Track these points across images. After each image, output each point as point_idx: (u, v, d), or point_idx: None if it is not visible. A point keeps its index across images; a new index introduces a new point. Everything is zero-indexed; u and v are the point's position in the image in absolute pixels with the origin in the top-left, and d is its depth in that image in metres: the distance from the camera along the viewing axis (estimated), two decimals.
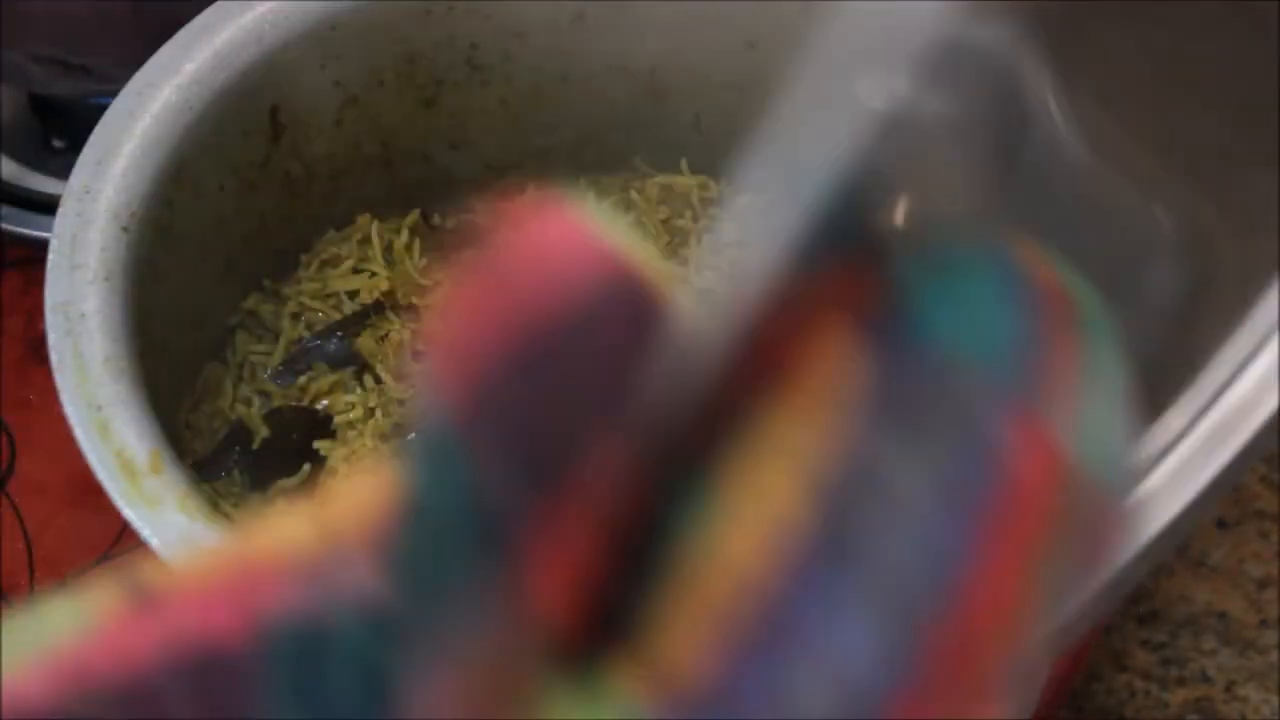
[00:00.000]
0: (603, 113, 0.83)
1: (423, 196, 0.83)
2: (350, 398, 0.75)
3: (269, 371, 0.77)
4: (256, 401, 0.76)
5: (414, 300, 0.77)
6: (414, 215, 0.81)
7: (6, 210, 0.94)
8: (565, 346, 0.25)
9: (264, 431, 0.74)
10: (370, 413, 0.74)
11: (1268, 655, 0.87)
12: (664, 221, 0.80)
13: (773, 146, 0.29)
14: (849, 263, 0.28)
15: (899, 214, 0.28)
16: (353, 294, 0.78)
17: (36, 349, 0.91)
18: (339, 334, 0.77)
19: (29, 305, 0.93)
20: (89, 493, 0.83)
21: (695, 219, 0.81)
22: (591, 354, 0.25)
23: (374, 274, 0.78)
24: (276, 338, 0.78)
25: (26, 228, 0.93)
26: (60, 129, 0.96)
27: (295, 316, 0.78)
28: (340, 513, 0.28)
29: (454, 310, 0.26)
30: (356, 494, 0.28)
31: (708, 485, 0.26)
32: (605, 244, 0.25)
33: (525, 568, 0.25)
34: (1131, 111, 0.62)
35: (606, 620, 0.26)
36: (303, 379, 0.76)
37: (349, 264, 0.79)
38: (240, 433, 0.74)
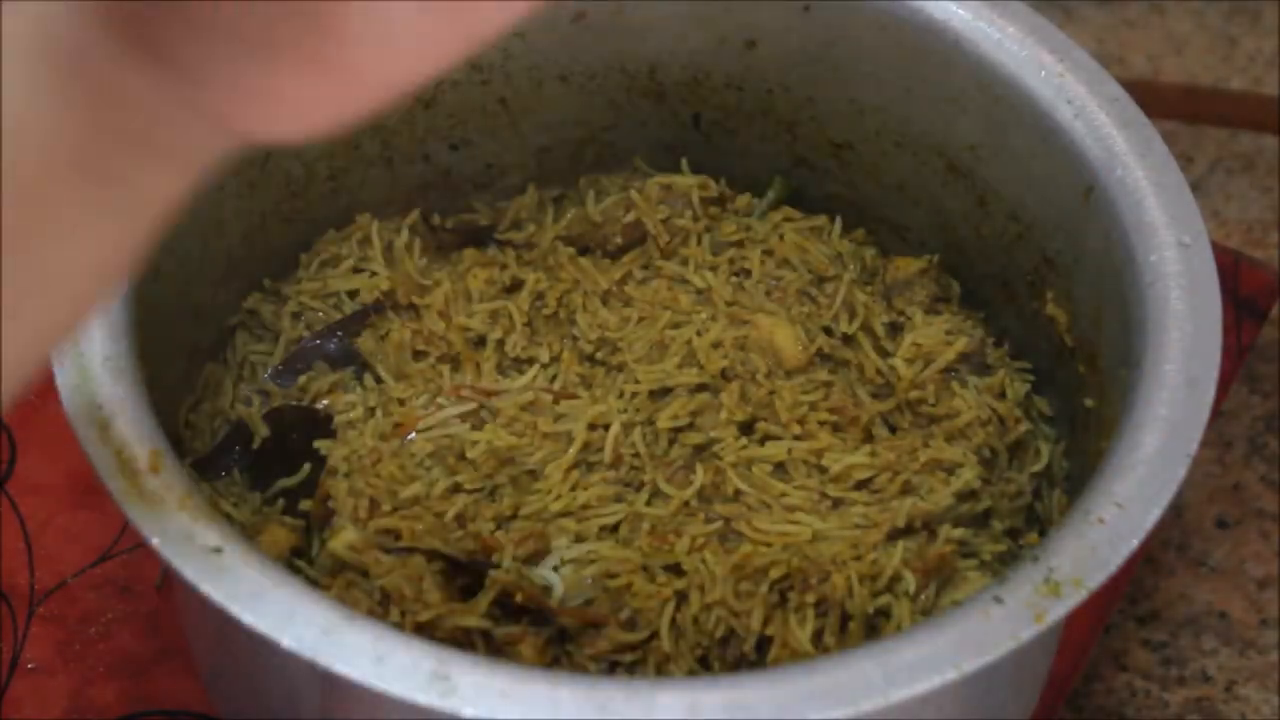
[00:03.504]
0: (603, 113, 0.83)
1: (423, 196, 0.83)
2: (350, 397, 0.75)
3: (269, 371, 0.77)
4: (256, 401, 0.76)
5: (414, 300, 0.77)
6: (414, 215, 0.81)
7: None
8: None
9: (264, 431, 0.74)
10: (370, 412, 0.74)
11: (1268, 655, 0.87)
12: (664, 221, 0.80)
13: None
14: None
15: None
16: (353, 294, 0.78)
17: None
18: (339, 334, 0.77)
19: None
20: (89, 493, 0.83)
21: (695, 219, 0.81)
22: None
23: (374, 274, 0.78)
24: (276, 337, 0.78)
25: None
26: None
27: (295, 316, 0.78)
28: None
29: None
30: None
31: None
32: None
33: None
34: None
35: None
36: (303, 379, 0.76)
37: (349, 264, 0.79)
38: (240, 432, 0.75)
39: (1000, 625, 0.59)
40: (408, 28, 0.39)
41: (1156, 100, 0.88)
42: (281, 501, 0.73)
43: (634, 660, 0.68)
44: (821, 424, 0.73)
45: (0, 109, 0.38)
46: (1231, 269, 0.93)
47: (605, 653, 0.68)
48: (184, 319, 0.74)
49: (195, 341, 0.76)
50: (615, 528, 0.71)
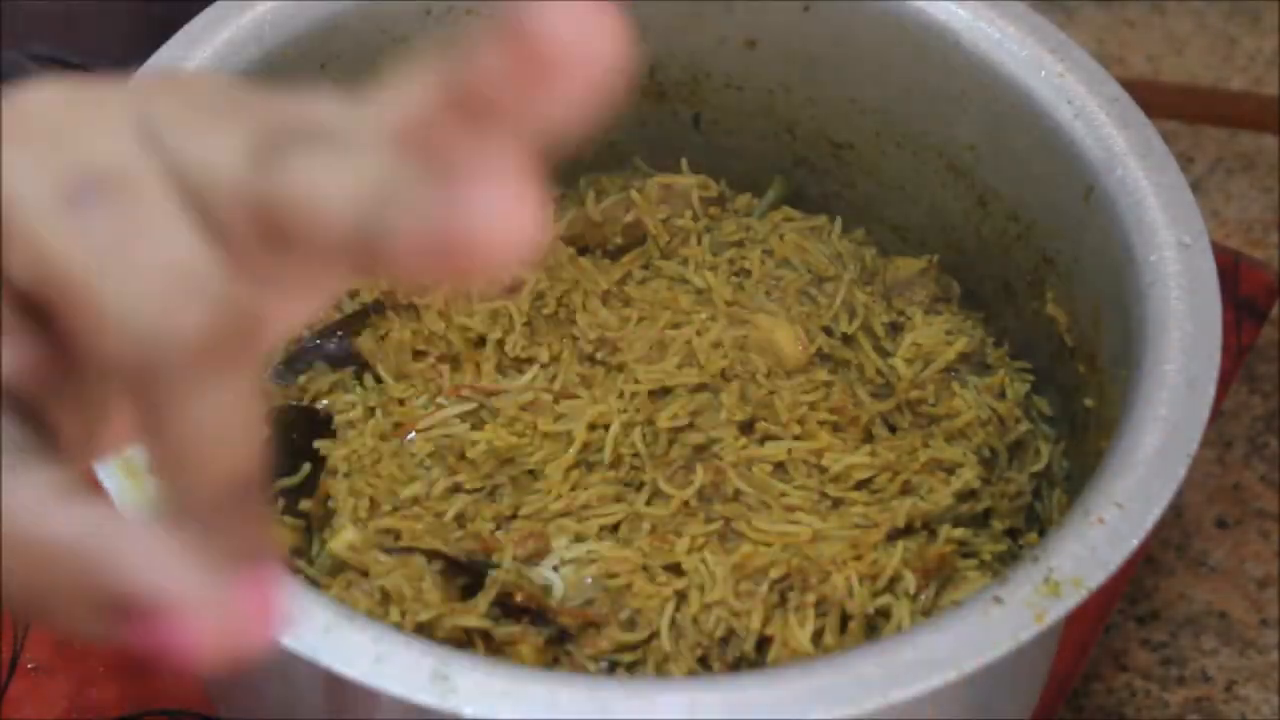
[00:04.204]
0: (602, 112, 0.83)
1: None
2: (350, 397, 0.75)
3: (269, 371, 0.77)
4: None
5: (414, 300, 0.77)
6: None
7: None
8: None
9: (264, 431, 0.74)
10: (370, 412, 0.74)
11: (1268, 655, 0.87)
12: (664, 221, 0.80)
13: None
14: None
15: None
16: (353, 293, 0.78)
17: None
18: (339, 334, 0.77)
19: None
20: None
21: (695, 219, 0.81)
22: None
23: None
24: None
25: None
26: None
27: None
28: None
29: None
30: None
31: None
32: None
33: None
34: None
35: None
36: (303, 378, 0.76)
37: None
38: None
39: (1000, 625, 0.59)
40: None
41: (1156, 100, 0.88)
42: (281, 501, 0.73)
43: (634, 660, 0.68)
44: (821, 424, 0.73)
45: None
46: (1231, 269, 0.93)
47: (605, 653, 0.68)
48: None
49: None
50: (615, 528, 0.71)
